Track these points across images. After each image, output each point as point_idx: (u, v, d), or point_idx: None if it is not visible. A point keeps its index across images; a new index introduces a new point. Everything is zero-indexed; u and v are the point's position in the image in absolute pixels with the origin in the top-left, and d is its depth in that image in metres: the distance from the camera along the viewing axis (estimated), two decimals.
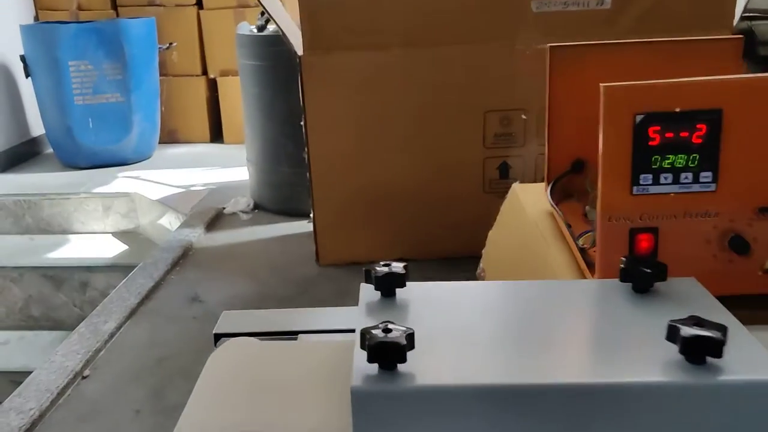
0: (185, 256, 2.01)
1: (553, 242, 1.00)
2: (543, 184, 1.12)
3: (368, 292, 0.65)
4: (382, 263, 0.66)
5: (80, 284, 2.56)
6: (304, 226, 2.19)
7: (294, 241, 2.10)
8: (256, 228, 2.24)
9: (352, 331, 0.63)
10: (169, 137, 3.56)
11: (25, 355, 2.37)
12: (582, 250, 0.88)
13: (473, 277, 1.74)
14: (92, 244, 2.75)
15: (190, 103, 3.57)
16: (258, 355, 0.69)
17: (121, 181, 3.03)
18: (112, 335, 1.56)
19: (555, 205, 1.03)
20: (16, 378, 2.04)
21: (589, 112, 0.99)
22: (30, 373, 1.47)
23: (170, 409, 1.30)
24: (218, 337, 0.74)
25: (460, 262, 1.83)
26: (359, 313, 0.62)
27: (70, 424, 1.26)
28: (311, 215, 1.99)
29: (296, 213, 2.26)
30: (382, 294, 0.65)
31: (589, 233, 0.91)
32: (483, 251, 1.35)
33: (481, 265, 1.34)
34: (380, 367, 0.52)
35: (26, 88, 3.34)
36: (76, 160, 3.21)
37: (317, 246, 1.89)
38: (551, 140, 1.05)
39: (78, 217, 2.86)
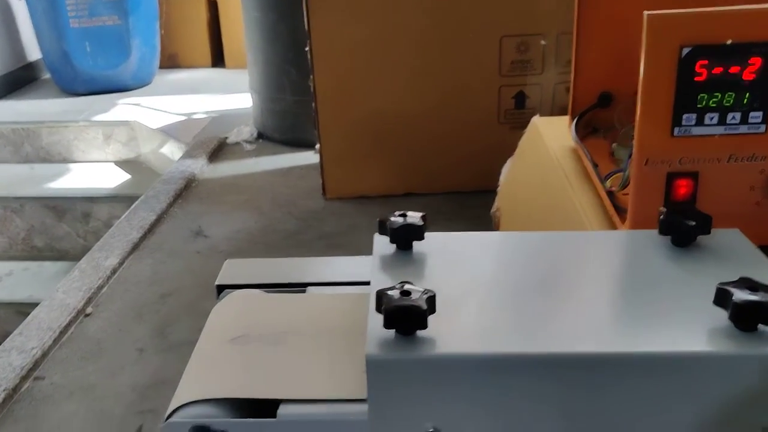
0: (188, 188, 1.96)
1: (577, 182, 0.94)
2: (566, 118, 1.06)
3: (383, 244, 0.59)
4: (397, 213, 0.60)
5: (83, 215, 2.52)
6: (310, 157, 2.13)
7: (299, 173, 2.04)
8: (260, 159, 2.17)
9: (366, 283, 0.58)
10: (169, 62, 3.45)
11: (29, 286, 2.35)
12: (610, 194, 0.82)
13: (485, 213, 1.69)
14: (94, 174, 2.69)
15: (191, 26, 3.44)
16: (264, 309, 0.64)
17: (121, 108, 2.95)
18: (114, 271, 1.52)
19: (580, 142, 0.96)
20: (22, 309, 2.02)
21: (622, 41, 0.91)
22: (36, 304, 1.44)
23: (174, 348, 1.27)
24: (221, 289, 0.68)
25: (472, 196, 1.77)
26: (373, 268, 0.56)
27: (73, 363, 1.23)
28: (317, 146, 1.93)
29: (301, 143, 2.19)
30: (398, 247, 0.59)
31: (618, 174, 0.85)
32: (498, 189, 1.29)
33: (496, 203, 1.28)
34: (398, 332, 0.47)
35: (21, 9, 3.21)
36: (74, 85, 3.12)
37: (324, 179, 1.83)
38: (577, 71, 0.97)
39: (78, 146, 2.79)
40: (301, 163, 2.10)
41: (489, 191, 1.76)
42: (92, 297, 1.42)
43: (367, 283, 0.54)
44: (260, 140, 2.30)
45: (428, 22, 1.68)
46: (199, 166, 2.08)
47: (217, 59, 3.50)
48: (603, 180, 0.86)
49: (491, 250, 0.61)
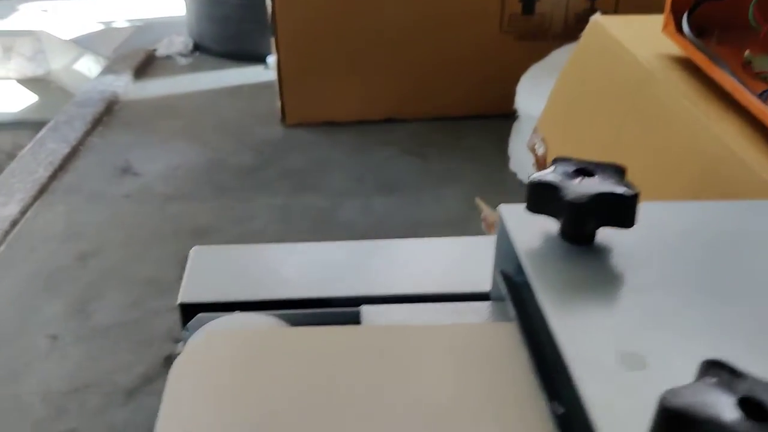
0: (109, 112, 1.57)
1: (705, 105, 0.63)
2: (643, 17, 0.79)
3: (527, 226, 0.29)
4: (557, 165, 0.29)
5: None
6: (260, 73, 1.76)
7: (249, 93, 1.67)
8: (197, 76, 1.78)
9: (472, 297, 0.34)
10: None
11: None
12: None
13: (486, 144, 1.38)
14: None
15: None
16: (272, 361, 0.32)
17: (23, 14, 2.47)
18: (14, 223, 1.16)
19: (706, 48, 0.65)
20: None
21: None
22: None
23: (99, 334, 0.93)
24: (187, 312, 0.36)
25: (467, 124, 1.46)
26: (539, 289, 0.26)
27: None
28: (270, 60, 1.56)
29: (248, 56, 1.82)
30: (566, 238, 0.29)
31: None
32: (540, 117, 0.97)
33: (538, 134, 0.96)
34: None
35: None
36: None
37: (283, 100, 1.47)
38: None
39: None
40: (250, 81, 1.73)
41: (490, 117, 1.46)
42: None
43: (475, 297, 0.36)
44: (197, 53, 1.90)
45: None
46: (123, 84, 1.68)
47: None
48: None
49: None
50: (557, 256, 0.31)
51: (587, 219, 0.31)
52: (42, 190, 1.25)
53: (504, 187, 1.26)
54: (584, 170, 0.31)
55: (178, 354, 0.36)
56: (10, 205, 1.19)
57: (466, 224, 1.14)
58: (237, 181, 1.30)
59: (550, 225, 0.33)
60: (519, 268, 0.36)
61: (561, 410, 0.28)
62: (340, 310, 0.37)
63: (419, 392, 0.30)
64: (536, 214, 0.31)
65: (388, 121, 1.48)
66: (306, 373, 0.31)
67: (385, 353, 0.32)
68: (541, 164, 0.96)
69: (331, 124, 1.48)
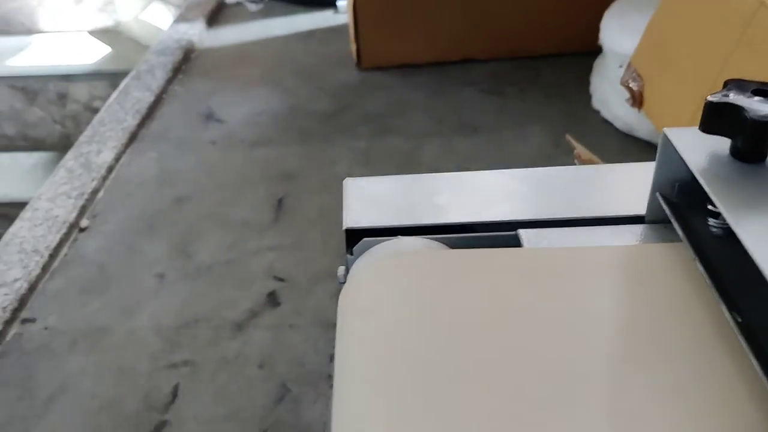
0: (187, 60, 1.59)
1: None
2: None
3: (695, 148, 0.29)
4: (734, 86, 0.29)
5: (57, 96, 2.15)
6: (330, 17, 1.76)
7: (321, 38, 1.67)
8: (269, 22, 1.79)
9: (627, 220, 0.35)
10: None
11: (3, 182, 2.02)
12: None
13: (568, 82, 1.36)
14: (65, 47, 2.29)
15: None
16: (441, 281, 0.33)
17: None
18: (110, 169, 1.20)
19: None
20: None
21: None
22: (13, 205, 1.13)
23: (202, 273, 0.97)
24: (353, 237, 0.38)
25: (546, 62, 1.44)
26: (715, 194, 0.27)
27: (71, 298, 0.94)
28: (342, 3, 1.56)
29: (316, 1, 1.81)
30: (739, 157, 0.29)
31: None
32: (634, 54, 0.95)
33: (631, 69, 0.95)
34: None
35: None
36: None
37: (358, 44, 1.47)
38: None
39: (44, 13, 2.36)
40: (321, 26, 1.73)
41: (568, 55, 1.43)
42: (86, 205, 1.11)
43: (630, 221, 0.37)
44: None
45: None
46: (197, 33, 1.70)
47: None
48: None
49: None
50: (731, 172, 0.31)
51: (764, 138, 0.31)
52: (132, 138, 1.29)
53: (587, 125, 1.24)
54: (761, 91, 0.31)
55: (344, 277, 0.38)
56: (104, 153, 1.23)
57: (552, 163, 1.14)
58: (318, 126, 1.32)
59: (718, 146, 0.33)
60: (680, 191, 0.36)
61: (739, 319, 0.29)
62: (497, 234, 0.38)
63: (597, 310, 0.31)
64: (710, 134, 0.32)
65: (466, 61, 1.46)
66: (477, 292, 0.32)
67: (557, 272, 0.33)
68: (636, 100, 0.94)
69: (407, 67, 1.48)
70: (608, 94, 1.22)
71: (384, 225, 0.38)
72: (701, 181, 0.32)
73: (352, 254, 0.38)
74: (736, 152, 0.32)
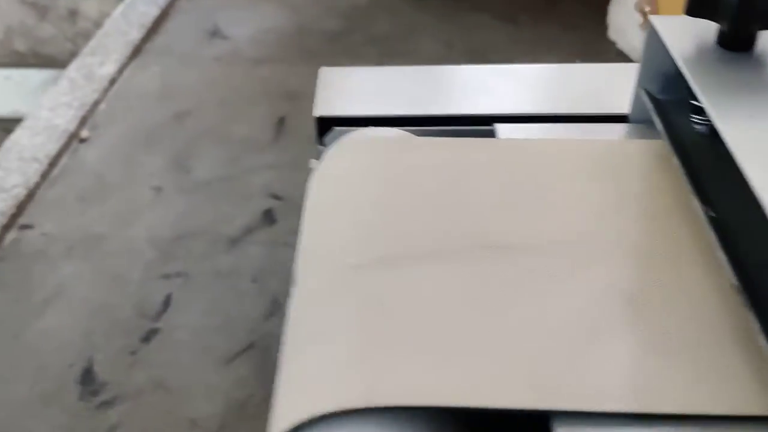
0: None
1: None
2: None
3: (683, 40, 0.27)
4: None
5: (68, 12, 2.12)
6: None
7: None
8: None
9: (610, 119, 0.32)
10: None
11: (13, 98, 2.01)
12: None
13: (578, 14, 1.32)
14: None
15: None
16: (423, 174, 0.32)
17: None
18: (112, 81, 1.19)
19: None
20: (7, 126, 1.71)
21: None
22: (21, 120, 1.13)
23: (200, 187, 0.97)
24: (324, 125, 0.36)
25: None
26: (696, 84, 0.25)
27: (69, 206, 0.94)
28: None
29: None
30: (725, 44, 0.28)
31: None
32: None
33: None
34: None
35: None
36: None
37: None
38: None
39: None
40: None
41: None
42: (87, 116, 1.10)
43: (613, 119, 0.35)
44: None
45: None
46: None
47: None
48: None
49: None
50: (717, 61, 0.30)
51: (752, 18, 0.29)
52: (136, 52, 1.27)
53: (602, 55, 1.21)
54: None
55: (316, 166, 0.37)
56: (107, 65, 1.21)
57: None
58: (325, 46, 1.29)
59: (706, 34, 0.31)
60: (665, 87, 0.34)
61: (712, 214, 0.28)
62: (472, 128, 0.36)
63: (566, 198, 0.30)
64: (696, 17, 0.30)
65: None
66: (446, 175, 0.31)
67: (528, 162, 0.32)
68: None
69: None
70: (625, 24, 1.19)
71: (357, 114, 0.37)
72: (683, 70, 0.30)
73: (323, 145, 0.37)
74: (722, 39, 0.30)
